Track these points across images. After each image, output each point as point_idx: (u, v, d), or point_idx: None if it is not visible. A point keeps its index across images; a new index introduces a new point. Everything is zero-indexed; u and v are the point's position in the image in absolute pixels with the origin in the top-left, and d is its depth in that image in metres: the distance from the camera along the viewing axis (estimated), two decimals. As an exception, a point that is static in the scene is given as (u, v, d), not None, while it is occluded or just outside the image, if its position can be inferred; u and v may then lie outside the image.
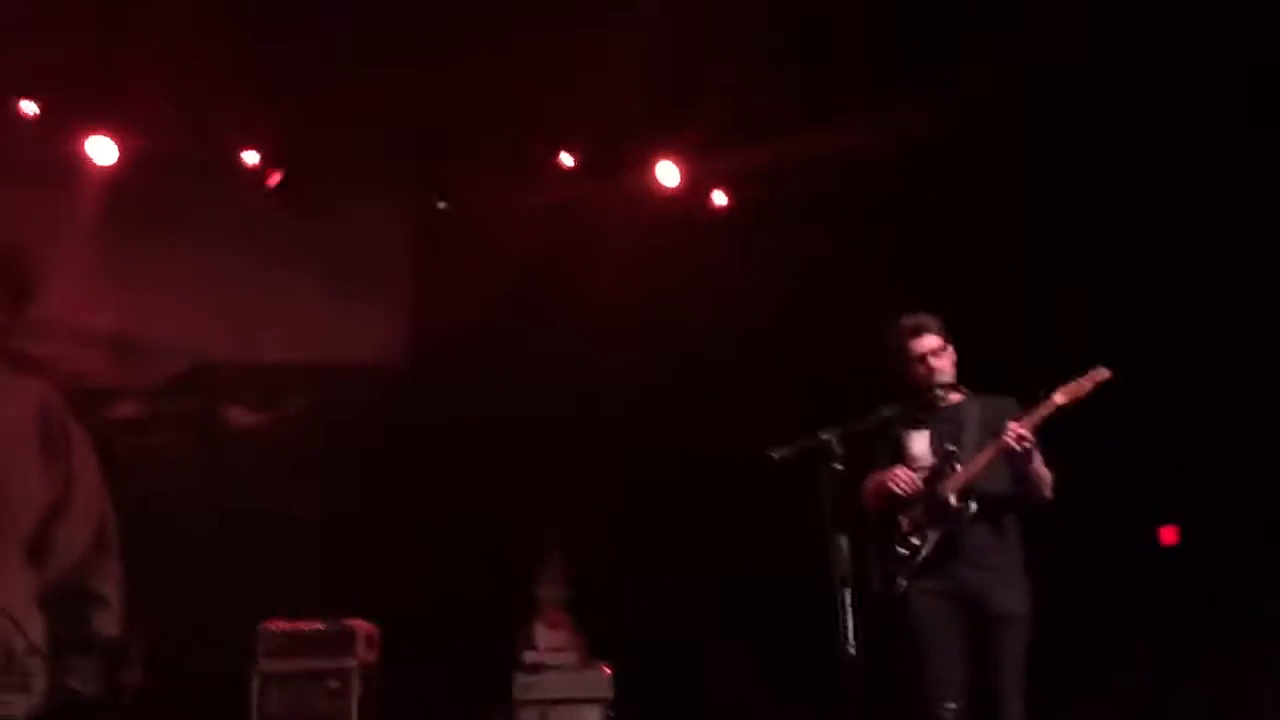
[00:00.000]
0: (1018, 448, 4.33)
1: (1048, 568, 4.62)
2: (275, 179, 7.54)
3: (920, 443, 4.63)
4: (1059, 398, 4.38)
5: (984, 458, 4.45)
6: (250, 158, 7.54)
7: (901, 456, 4.65)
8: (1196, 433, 6.38)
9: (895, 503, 4.58)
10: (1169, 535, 6.48)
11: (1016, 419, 4.42)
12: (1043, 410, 4.39)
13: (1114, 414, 4.60)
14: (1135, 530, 6.61)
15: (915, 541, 4.51)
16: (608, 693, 6.14)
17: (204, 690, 6.53)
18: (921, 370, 4.62)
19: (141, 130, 7.26)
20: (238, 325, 7.99)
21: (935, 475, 4.54)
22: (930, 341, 4.64)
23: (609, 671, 6.20)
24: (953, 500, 4.44)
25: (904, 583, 4.47)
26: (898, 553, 4.51)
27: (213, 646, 6.58)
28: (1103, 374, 4.35)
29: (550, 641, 6.70)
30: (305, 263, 7.96)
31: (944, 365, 4.65)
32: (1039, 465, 4.45)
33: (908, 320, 4.69)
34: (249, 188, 7.65)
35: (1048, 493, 4.51)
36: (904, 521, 4.56)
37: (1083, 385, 4.36)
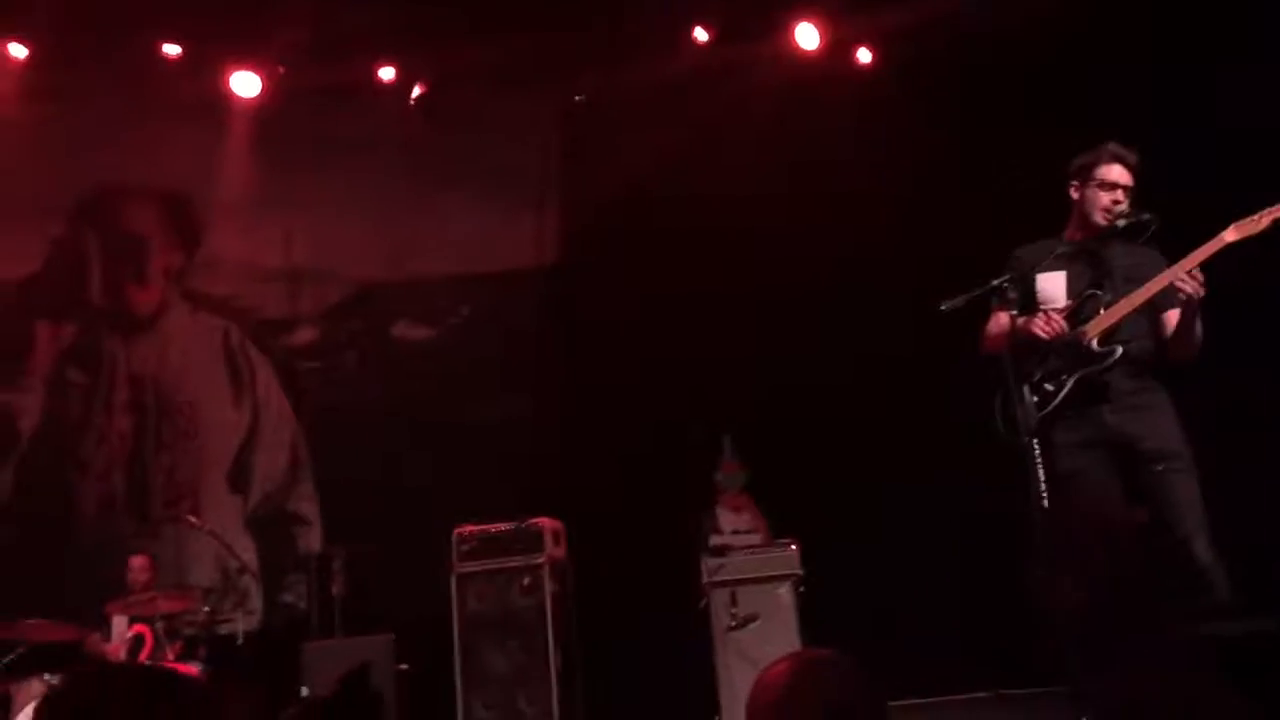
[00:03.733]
0: (1187, 287, 4.01)
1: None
2: (417, 93, 7.57)
3: (1053, 282, 4.38)
4: (1230, 234, 4.00)
5: (1135, 299, 4.16)
6: (387, 74, 7.56)
7: (1032, 298, 4.41)
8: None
9: (1030, 347, 4.30)
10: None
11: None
12: (1210, 247, 4.04)
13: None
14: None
15: (1049, 388, 4.27)
16: (796, 569, 6.13)
17: (406, 595, 6.81)
18: (1106, 198, 4.34)
19: (282, 59, 7.35)
20: (397, 244, 8.15)
21: (1074, 317, 4.29)
22: (1127, 177, 4.38)
23: (796, 548, 6.18)
24: (1094, 344, 4.20)
25: (1032, 430, 4.11)
26: (1029, 399, 4.25)
27: (410, 553, 6.83)
28: None
29: (734, 524, 6.73)
30: (456, 175, 8.02)
31: (1125, 202, 4.38)
32: (1196, 318, 4.11)
33: (1116, 146, 4.40)
34: (392, 107, 7.71)
35: (1195, 353, 4.19)
36: (1037, 368, 4.33)
37: (1260, 221, 4.00)
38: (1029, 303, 4.40)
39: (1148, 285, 4.17)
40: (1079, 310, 4.30)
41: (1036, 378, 4.31)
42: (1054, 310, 4.33)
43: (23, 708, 5.73)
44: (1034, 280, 4.41)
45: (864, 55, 7.37)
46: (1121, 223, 4.33)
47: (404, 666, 6.16)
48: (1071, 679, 3.69)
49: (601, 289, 7.65)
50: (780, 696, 2.05)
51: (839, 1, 7.02)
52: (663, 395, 7.20)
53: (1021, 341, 4.30)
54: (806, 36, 7.23)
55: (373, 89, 7.63)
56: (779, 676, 2.07)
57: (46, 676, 5.79)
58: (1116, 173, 4.37)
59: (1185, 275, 4.04)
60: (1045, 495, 3.88)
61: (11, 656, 6.01)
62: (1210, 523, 4.08)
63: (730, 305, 7.19)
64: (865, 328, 6.85)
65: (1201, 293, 4.04)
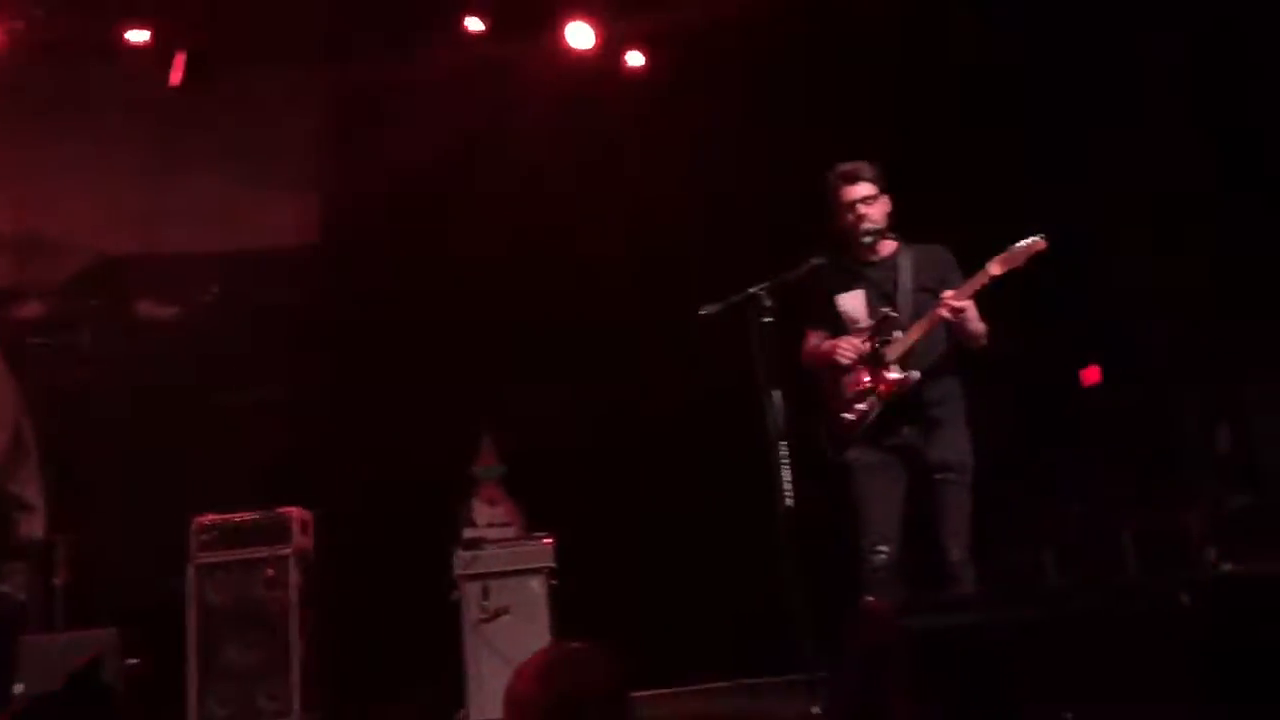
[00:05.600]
0: (954, 320, 4.40)
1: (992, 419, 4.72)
2: (178, 74, 7.14)
3: (853, 303, 4.65)
4: (994, 268, 4.40)
5: (921, 326, 4.50)
6: (138, 37, 7.14)
7: (834, 317, 4.66)
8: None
9: (838, 368, 4.60)
10: (1092, 375, 6.61)
11: (951, 283, 4.47)
12: (977, 281, 4.44)
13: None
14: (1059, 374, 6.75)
15: (861, 407, 4.55)
16: (549, 562, 6.17)
17: (139, 587, 6.46)
18: (850, 218, 4.64)
19: (19, 10, 6.82)
20: (141, 216, 7.67)
21: (875, 337, 4.56)
22: (862, 189, 4.64)
23: (550, 542, 6.21)
24: (896, 371, 4.48)
25: (855, 451, 4.56)
26: (843, 419, 4.56)
27: (145, 543, 6.49)
28: (1038, 245, 4.36)
29: (488, 517, 6.71)
30: (209, 146, 7.62)
31: (874, 214, 4.65)
32: (974, 322, 4.50)
33: (842, 167, 4.68)
34: (143, 70, 7.28)
35: (983, 341, 4.58)
36: (846, 386, 4.59)
37: (1017, 255, 4.38)
38: (831, 320, 4.66)
39: (932, 313, 4.47)
40: (878, 330, 4.56)
41: (847, 396, 4.55)
42: (857, 330, 4.58)
43: None
44: (834, 297, 4.67)
45: (636, 58, 7.45)
46: (868, 239, 4.62)
47: (133, 661, 5.84)
48: (809, 669, 3.90)
49: (364, 274, 7.47)
50: (530, 688, 2.11)
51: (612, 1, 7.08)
52: (422, 386, 7.10)
53: (828, 362, 4.62)
54: (579, 35, 7.25)
55: (123, 49, 7.16)
56: (531, 669, 2.14)
57: None
58: (851, 191, 4.64)
59: (946, 309, 4.38)
60: (790, 497, 4.10)
61: None
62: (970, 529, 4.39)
63: (497, 299, 7.16)
64: (634, 325, 6.97)
65: (957, 318, 4.42)
